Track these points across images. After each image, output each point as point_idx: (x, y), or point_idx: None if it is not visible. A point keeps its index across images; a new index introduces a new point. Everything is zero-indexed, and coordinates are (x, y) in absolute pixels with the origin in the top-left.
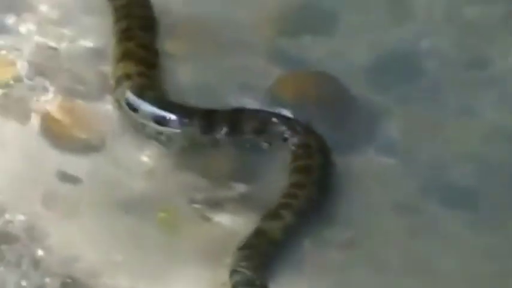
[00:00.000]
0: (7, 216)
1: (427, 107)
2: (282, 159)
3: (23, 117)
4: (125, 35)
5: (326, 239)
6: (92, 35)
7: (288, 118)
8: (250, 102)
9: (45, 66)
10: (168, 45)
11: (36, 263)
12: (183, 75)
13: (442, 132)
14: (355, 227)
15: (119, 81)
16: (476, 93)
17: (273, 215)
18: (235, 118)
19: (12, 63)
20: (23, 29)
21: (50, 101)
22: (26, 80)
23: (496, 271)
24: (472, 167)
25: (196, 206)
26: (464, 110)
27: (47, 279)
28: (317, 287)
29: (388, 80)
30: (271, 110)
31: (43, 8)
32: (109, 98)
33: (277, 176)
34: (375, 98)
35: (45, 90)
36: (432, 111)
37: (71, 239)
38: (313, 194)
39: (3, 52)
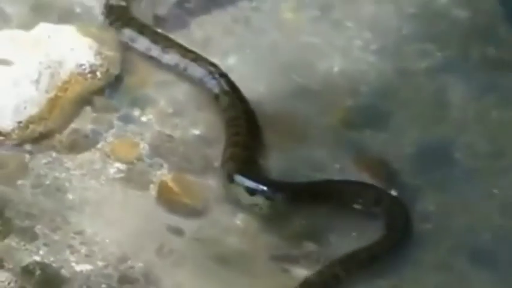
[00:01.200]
0: (129, 262)
1: (458, 188)
2: (346, 224)
3: (143, 187)
4: (232, 124)
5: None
6: (200, 125)
7: (376, 187)
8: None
9: (161, 148)
10: None
11: None
12: (270, 158)
13: (469, 208)
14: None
15: (225, 161)
16: (497, 179)
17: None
18: (317, 189)
19: (136, 145)
20: (144, 119)
21: (164, 175)
22: (146, 159)
23: None
24: (493, 234)
25: (277, 260)
26: (485, 192)
27: None
28: None
29: (429, 166)
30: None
31: (161, 103)
32: (211, 174)
33: (342, 237)
34: (418, 179)
35: (161, 166)
36: (462, 192)
37: (179, 283)
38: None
39: (130, 136)
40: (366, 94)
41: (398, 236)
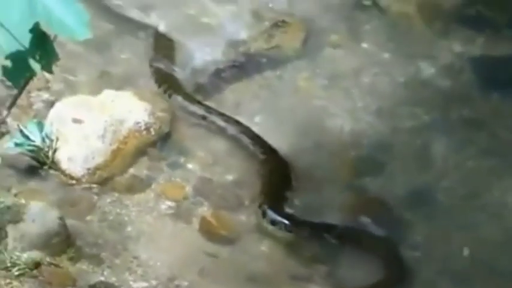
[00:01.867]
0: (176, 282)
1: (440, 222)
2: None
3: (188, 221)
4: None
5: None
6: (233, 172)
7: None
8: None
9: (203, 190)
10: None
11: None
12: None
13: (450, 238)
14: None
15: (261, 201)
16: (473, 215)
17: None
18: (329, 230)
19: (182, 187)
20: (189, 166)
21: (205, 212)
22: (190, 198)
23: None
24: (470, 258)
25: (295, 280)
26: (463, 225)
27: None
28: None
29: (416, 204)
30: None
31: (202, 153)
32: (242, 210)
33: (351, 260)
34: (408, 214)
35: (202, 204)
36: (443, 225)
37: None
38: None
39: (177, 180)
40: (366, 147)
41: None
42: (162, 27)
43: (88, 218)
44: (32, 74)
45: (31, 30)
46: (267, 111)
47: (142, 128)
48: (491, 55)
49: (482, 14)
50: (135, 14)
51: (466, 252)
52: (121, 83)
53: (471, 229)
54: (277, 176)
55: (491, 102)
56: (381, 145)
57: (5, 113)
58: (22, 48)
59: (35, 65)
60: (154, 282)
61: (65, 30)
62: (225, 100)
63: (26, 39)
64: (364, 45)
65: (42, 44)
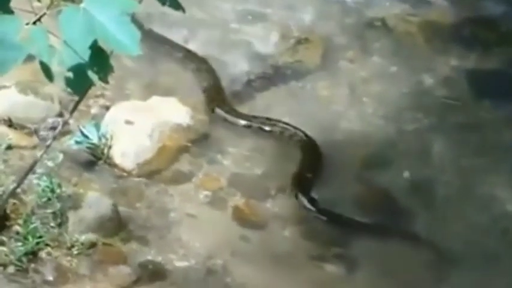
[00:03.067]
0: (212, 260)
1: (439, 210)
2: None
3: (223, 208)
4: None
5: None
6: (262, 167)
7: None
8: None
9: (236, 182)
10: None
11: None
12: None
13: (447, 223)
14: None
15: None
16: (467, 203)
17: None
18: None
19: (218, 180)
20: (224, 162)
21: (238, 201)
22: (225, 189)
23: None
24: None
25: (314, 260)
26: (457, 213)
27: None
28: None
29: (418, 195)
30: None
31: (235, 151)
32: (269, 199)
33: (363, 243)
34: (410, 202)
35: (235, 194)
36: (442, 212)
37: (246, 275)
38: None
39: (214, 174)
40: (375, 146)
41: None
42: (204, 45)
43: (137, 205)
44: (91, 84)
45: (90, 47)
46: (292, 115)
47: (184, 128)
48: (482, 69)
49: (475, 33)
50: (177, 34)
51: (461, 235)
52: (166, 91)
53: (464, 217)
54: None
55: (482, 109)
56: (388, 144)
57: (67, 116)
58: (82, 62)
59: (93, 76)
60: (193, 261)
61: (120, 46)
62: (256, 105)
63: (86, 54)
64: (374, 59)
65: (99, 58)
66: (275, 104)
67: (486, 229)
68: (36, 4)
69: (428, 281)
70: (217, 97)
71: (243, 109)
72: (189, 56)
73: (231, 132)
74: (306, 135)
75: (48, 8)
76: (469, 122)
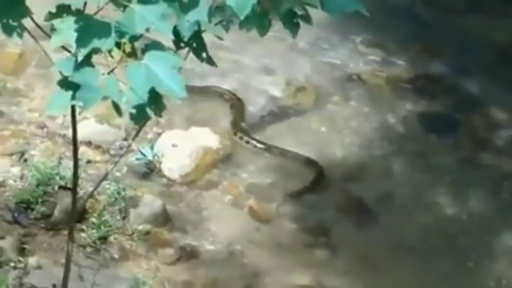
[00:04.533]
0: (233, 246)
1: (397, 214)
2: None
3: (241, 208)
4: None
5: None
6: (270, 178)
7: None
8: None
9: (251, 189)
10: None
11: (243, 264)
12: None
13: (402, 223)
14: None
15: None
16: (417, 210)
17: None
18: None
19: (238, 187)
20: (243, 175)
21: (252, 203)
22: (243, 194)
23: None
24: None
25: (307, 247)
26: (410, 215)
27: None
28: None
29: (382, 202)
30: None
31: (253, 167)
32: (276, 202)
33: (343, 231)
34: (376, 207)
35: (250, 198)
36: (399, 215)
37: (258, 256)
38: None
39: (236, 183)
40: (351, 166)
41: None
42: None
43: (179, 205)
44: (148, 118)
45: (149, 91)
46: (292, 141)
47: (214, 150)
48: (430, 111)
49: (425, 85)
50: (211, 81)
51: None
52: (202, 123)
53: (414, 217)
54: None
55: (429, 140)
56: (361, 165)
57: (131, 140)
58: (143, 102)
59: (150, 113)
60: (219, 246)
61: (170, 91)
62: (266, 134)
63: (145, 96)
64: (352, 103)
65: (155, 99)
66: (280, 133)
67: (430, 227)
68: (109, 59)
69: (385, 264)
70: (238, 126)
71: (258, 136)
72: (226, 95)
73: (247, 152)
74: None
75: (119, 63)
76: (420, 150)
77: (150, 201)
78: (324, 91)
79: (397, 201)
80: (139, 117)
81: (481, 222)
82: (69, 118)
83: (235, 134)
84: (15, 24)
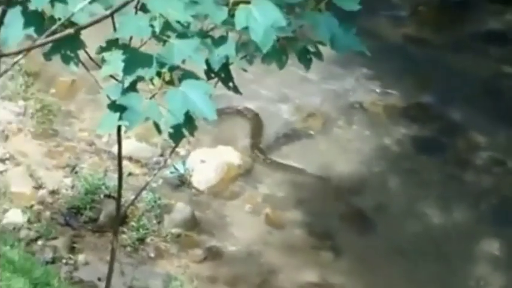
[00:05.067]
0: (252, 247)
1: (386, 219)
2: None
3: (259, 215)
4: None
5: None
6: (283, 190)
7: None
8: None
9: (267, 199)
10: None
11: (260, 263)
12: None
13: (391, 228)
14: None
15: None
16: (399, 218)
17: None
18: None
19: (256, 198)
20: (260, 187)
21: (268, 211)
22: (261, 204)
23: None
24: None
25: (311, 249)
26: (395, 222)
27: None
28: None
29: (377, 210)
30: None
31: (266, 180)
32: (288, 211)
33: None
34: (371, 214)
35: (266, 207)
36: (387, 221)
37: (272, 257)
38: None
39: (254, 194)
40: (353, 180)
41: None
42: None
43: (206, 212)
44: (183, 136)
45: (185, 114)
46: (304, 158)
47: (236, 166)
48: (420, 135)
49: (416, 114)
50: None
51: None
52: (226, 142)
53: (405, 225)
54: None
55: (420, 159)
56: (361, 179)
57: (167, 156)
58: (179, 123)
59: (185, 132)
60: (239, 247)
61: (203, 114)
62: (281, 152)
63: (181, 119)
64: (354, 127)
65: (190, 121)
66: (293, 152)
67: (420, 234)
68: (151, 87)
69: (381, 265)
70: (257, 145)
71: (273, 155)
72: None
73: (264, 168)
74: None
75: (159, 89)
76: (412, 167)
77: (181, 209)
78: (331, 117)
79: (392, 211)
80: (176, 136)
81: (463, 230)
82: (113, 137)
83: (253, 151)
84: (72, 55)
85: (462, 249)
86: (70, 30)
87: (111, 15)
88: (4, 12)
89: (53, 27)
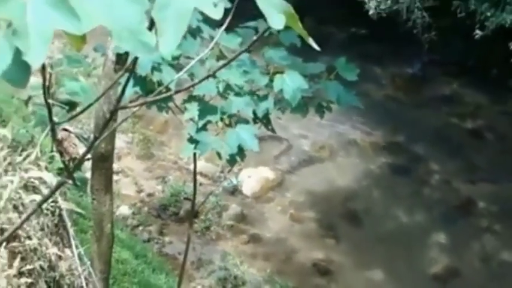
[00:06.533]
0: (279, 236)
1: (374, 220)
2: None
3: (286, 214)
4: None
5: None
6: (307, 197)
7: None
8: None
9: (292, 204)
10: None
11: (286, 246)
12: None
13: (376, 230)
14: None
15: None
16: (385, 223)
17: None
18: None
19: (285, 201)
20: (288, 194)
21: (292, 211)
22: (287, 206)
23: None
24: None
25: (322, 251)
26: (381, 226)
27: None
28: None
29: (365, 215)
30: None
31: (293, 188)
32: (309, 212)
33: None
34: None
35: (291, 209)
36: (376, 221)
37: (295, 242)
38: None
39: (284, 199)
40: (350, 195)
41: None
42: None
43: (251, 210)
44: (236, 161)
45: (238, 146)
46: (316, 176)
47: (271, 179)
48: (395, 163)
49: (393, 149)
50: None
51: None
52: (264, 164)
53: (385, 223)
54: None
55: (394, 179)
56: (354, 191)
57: (226, 173)
58: (234, 153)
59: (238, 159)
60: (272, 234)
61: (250, 147)
62: (301, 172)
63: (235, 150)
64: (351, 157)
65: (241, 151)
66: (307, 175)
67: (394, 229)
68: (216, 127)
69: (369, 249)
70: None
71: (294, 174)
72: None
73: (294, 179)
74: None
75: (221, 129)
76: (388, 185)
77: (234, 208)
78: (335, 149)
79: (375, 213)
80: (232, 161)
81: (422, 226)
82: (190, 159)
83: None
84: (164, 105)
85: (421, 239)
86: (166, 94)
87: (192, 86)
88: (128, 79)
89: (157, 90)
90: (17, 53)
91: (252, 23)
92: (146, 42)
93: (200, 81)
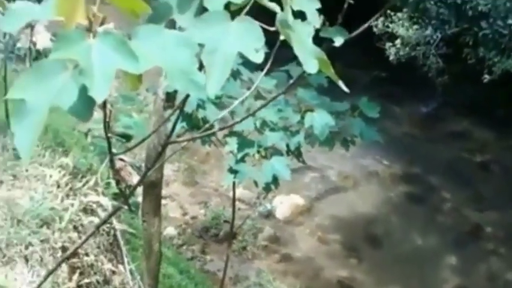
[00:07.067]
0: (309, 254)
1: (392, 238)
2: None
3: (314, 236)
4: None
5: None
6: (331, 220)
7: None
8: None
9: (320, 227)
10: None
11: (311, 260)
12: None
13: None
14: None
15: None
16: (403, 247)
17: None
18: None
19: (312, 226)
20: (316, 218)
21: (319, 234)
22: (314, 229)
23: None
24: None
25: (349, 259)
26: (399, 247)
27: None
28: None
29: (382, 238)
30: None
31: (322, 212)
32: (331, 234)
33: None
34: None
35: (319, 232)
36: (394, 241)
37: (322, 260)
38: None
39: (312, 224)
40: (369, 218)
41: None
42: None
43: (283, 232)
44: (271, 189)
45: (272, 176)
46: (341, 203)
47: (300, 205)
48: (411, 192)
49: (408, 179)
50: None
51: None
52: (295, 191)
53: (401, 245)
54: None
55: (411, 206)
56: (374, 216)
57: (262, 199)
58: (269, 181)
59: (272, 187)
60: (301, 254)
61: (283, 177)
62: (326, 200)
63: (270, 178)
64: (372, 186)
65: (275, 180)
66: (333, 202)
67: (409, 250)
68: (253, 159)
69: (388, 267)
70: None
71: (321, 202)
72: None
73: (323, 202)
74: None
75: (258, 160)
76: (405, 211)
77: (268, 230)
78: (358, 179)
79: (393, 236)
80: (267, 189)
81: (435, 249)
82: (230, 186)
83: None
84: (207, 139)
85: (434, 260)
86: (212, 131)
87: (235, 124)
88: (178, 116)
89: (204, 127)
90: (83, 90)
91: (284, 67)
92: (197, 81)
93: (242, 120)
